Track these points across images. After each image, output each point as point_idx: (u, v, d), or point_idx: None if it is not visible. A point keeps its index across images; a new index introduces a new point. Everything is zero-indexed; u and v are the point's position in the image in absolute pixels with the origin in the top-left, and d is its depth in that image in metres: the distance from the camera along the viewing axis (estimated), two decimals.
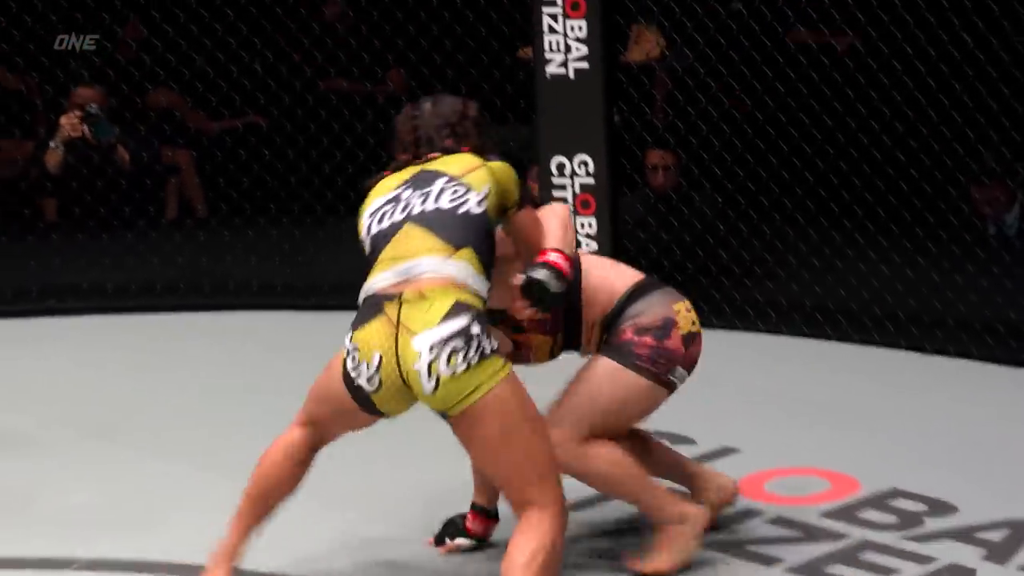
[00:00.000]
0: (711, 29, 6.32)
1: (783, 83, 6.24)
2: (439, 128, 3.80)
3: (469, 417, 3.49)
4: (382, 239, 3.64)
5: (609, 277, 4.03)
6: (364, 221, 3.72)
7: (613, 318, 3.98)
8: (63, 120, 7.08)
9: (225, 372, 5.68)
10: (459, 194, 3.64)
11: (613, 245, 6.08)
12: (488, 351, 3.48)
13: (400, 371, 3.49)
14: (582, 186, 6.02)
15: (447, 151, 3.76)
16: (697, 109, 6.39)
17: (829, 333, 5.90)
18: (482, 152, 3.75)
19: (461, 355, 3.46)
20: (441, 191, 3.65)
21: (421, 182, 3.69)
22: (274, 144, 7.25)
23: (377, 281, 3.58)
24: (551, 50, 5.99)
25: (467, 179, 3.67)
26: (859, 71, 6.14)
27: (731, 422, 4.97)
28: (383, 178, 3.77)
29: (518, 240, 3.80)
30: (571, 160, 6.03)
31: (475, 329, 3.48)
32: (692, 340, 3.95)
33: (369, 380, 3.52)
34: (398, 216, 3.64)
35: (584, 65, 5.97)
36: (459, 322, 3.47)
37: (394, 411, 3.60)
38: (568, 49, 5.97)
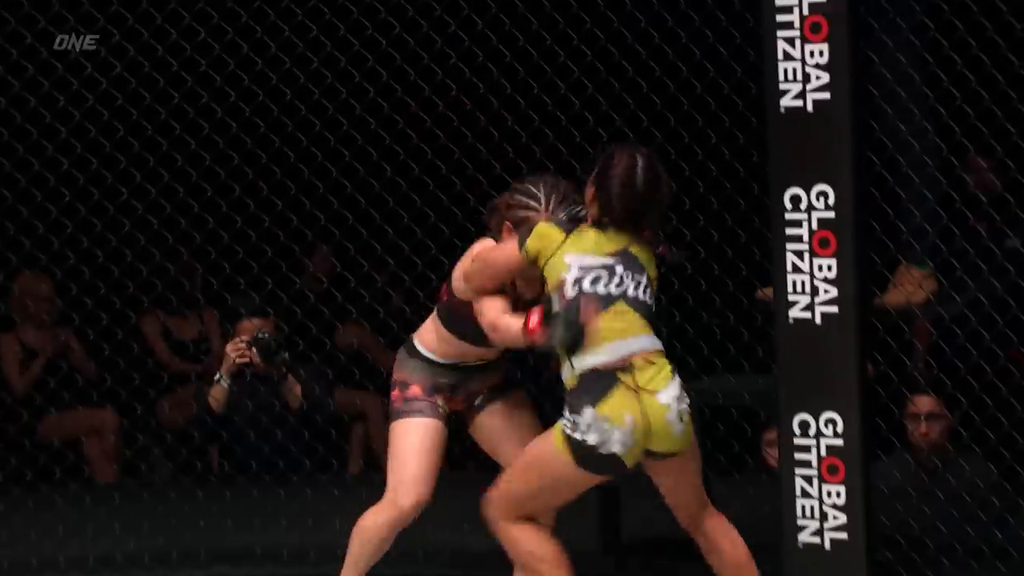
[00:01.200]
0: (984, 270, 6.07)
1: None
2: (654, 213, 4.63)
3: (685, 454, 4.61)
4: (595, 304, 4.50)
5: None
6: (570, 264, 4.51)
7: None
8: (228, 348, 7.06)
9: None
10: (650, 296, 4.61)
11: (865, 519, 5.67)
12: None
13: (649, 428, 4.47)
14: (829, 448, 5.66)
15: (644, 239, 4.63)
16: (967, 362, 6.10)
17: None
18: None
19: (686, 403, 4.55)
20: (646, 286, 4.59)
21: (631, 265, 4.58)
22: None
23: (599, 356, 4.47)
24: (795, 291, 5.71)
25: (653, 285, 4.63)
26: None
27: None
28: (580, 224, 4.58)
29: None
30: (816, 418, 5.69)
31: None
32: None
33: (623, 443, 4.44)
34: (614, 289, 4.54)
35: (832, 309, 5.66)
36: (679, 380, 4.56)
37: (633, 462, 4.53)
38: (815, 291, 5.68)
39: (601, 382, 4.46)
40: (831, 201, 5.66)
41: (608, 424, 4.42)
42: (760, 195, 6.04)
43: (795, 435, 5.72)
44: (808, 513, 5.71)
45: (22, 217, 6.87)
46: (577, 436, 4.45)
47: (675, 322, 6.42)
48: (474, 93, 6.70)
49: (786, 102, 5.66)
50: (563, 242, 4.54)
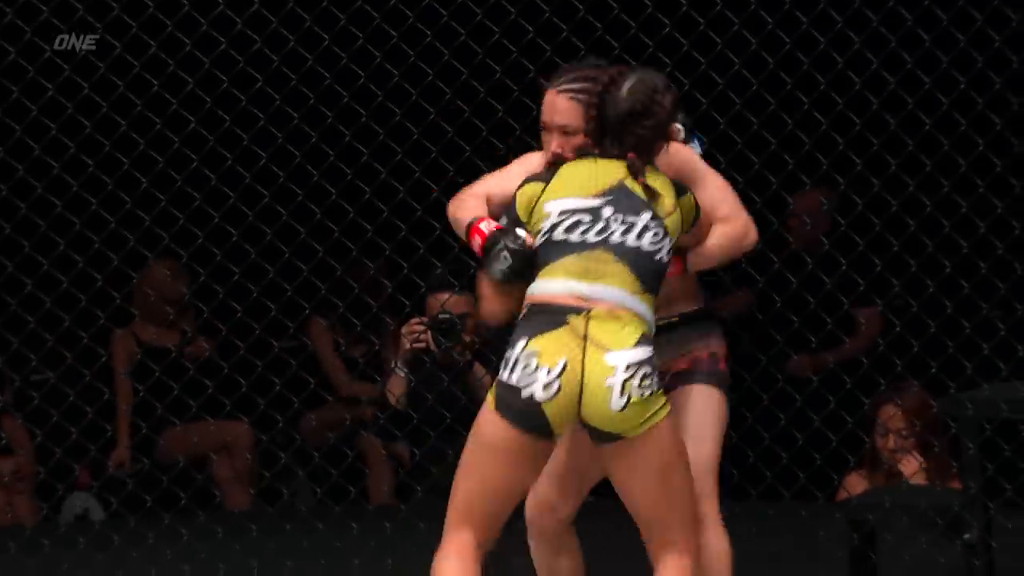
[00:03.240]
0: None
1: None
2: (630, 115, 4.37)
3: (640, 443, 4.29)
4: (568, 249, 4.36)
5: None
6: (550, 210, 4.39)
7: None
8: (403, 331, 7.06)
9: None
10: (659, 238, 4.39)
11: None
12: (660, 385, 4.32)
13: (581, 383, 4.26)
14: None
15: (641, 155, 4.41)
16: None
17: None
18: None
19: (651, 379, 4.28)
20: (644, 228, 4.38)
21: (625, 206, 4.40)
22: None
23: (556, 289, 4.34)
24: None
25: (667, 222, 4.41)
26: None
27: None
28: (567, 162, 4.46)
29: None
30: None
31: (656, 361, 4.32)
32: None
33: (546, 387, 4.26)
34: (592, 236, 4.38)
35: None
36: (648, 350, 4.30)
37: (560, 426, 4.30)
38: None
39: (546, 316, 4.32)
40: None
41: (536, 360, 4.28)
42: None
43: None
44: None
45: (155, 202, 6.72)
46: (503, 376, 4.32)
47: (945, 315, 6.29)
48: None
49: None
50: (543, 191, 4.47)
